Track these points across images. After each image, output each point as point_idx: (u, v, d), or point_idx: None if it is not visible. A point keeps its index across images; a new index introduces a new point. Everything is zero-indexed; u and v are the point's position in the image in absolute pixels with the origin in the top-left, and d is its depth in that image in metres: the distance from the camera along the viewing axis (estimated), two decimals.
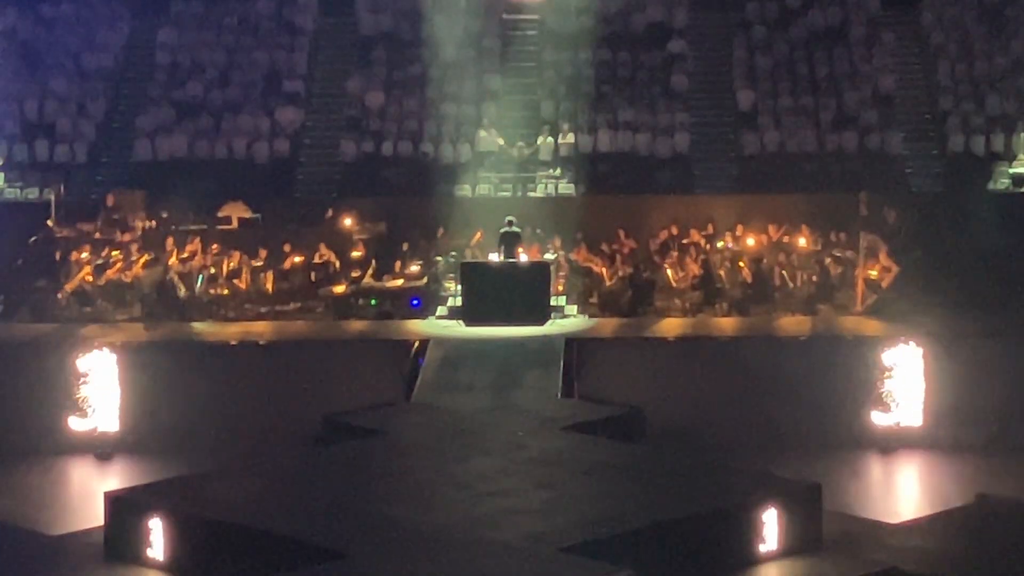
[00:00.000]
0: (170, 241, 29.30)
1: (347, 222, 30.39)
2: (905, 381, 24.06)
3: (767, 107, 34.43)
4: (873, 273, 27.83)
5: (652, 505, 16.98)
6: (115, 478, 22.58)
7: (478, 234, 29.49)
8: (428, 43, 35.10)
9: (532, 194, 32.73)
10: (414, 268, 28.88)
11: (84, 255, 28.97)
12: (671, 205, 31.46)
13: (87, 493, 21.55)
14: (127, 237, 29.68)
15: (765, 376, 24.07)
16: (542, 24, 36.65)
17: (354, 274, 28.81)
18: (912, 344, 24.17)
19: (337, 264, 29.17)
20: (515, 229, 27.72)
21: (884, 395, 24.05)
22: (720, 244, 29.75)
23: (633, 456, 19.69)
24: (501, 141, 33.53)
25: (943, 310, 25.83)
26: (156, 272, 28.16)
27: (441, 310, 27.50)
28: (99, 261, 28.79)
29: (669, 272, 28.59)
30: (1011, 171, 32.43)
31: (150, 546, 16.91)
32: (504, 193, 32.65)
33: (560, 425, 20.80)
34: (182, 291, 27.69)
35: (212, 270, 28.63)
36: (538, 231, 29.74)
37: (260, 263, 29.02)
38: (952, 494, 20.89)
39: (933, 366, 24.03)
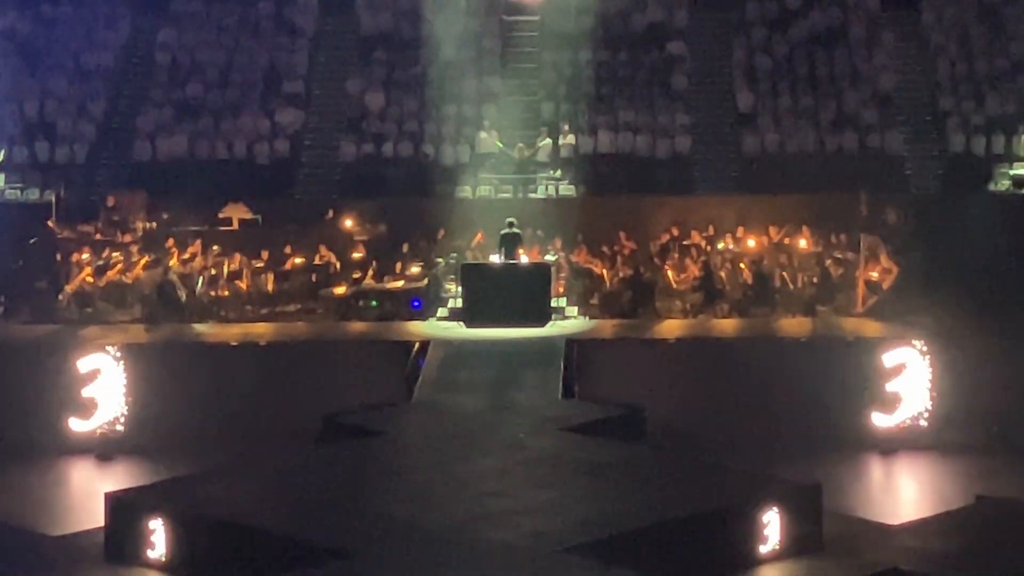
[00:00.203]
0: (170, 242, 29.31)
1: (347, 223, 30.39)
2: (905, 382, 24.06)
3: (767, 108, 34.44)
4: (874, 274, 27.81)
5: (652, 506, 16.98)
6: (116, 478, 22.55)
7: (478, 235, 29.49)
8: (428, 44, 35.12)
9: (532, 195, 32.75)
10: (415, 269, 28.87)
11: (84, 256, 28.97)
12: (671, 206, 31.47)
13: (88, 493, 21.54)
14: (127, 238, 29.68)
15: (765, 377, 24.08)
16: (542, 25, 36.66)
17: (355, 275, 28.81)
18: (912, 345, 24.17)
19: (338, 265, 29.18)
20: (516, 230, 27.71)
21: (884, 396, 24.05)
22: (720, 245, 29.75)
23: (633, 457, 19.69)
24: (500, 143, 33.52)
25: (943, 311, 25.79)
26: (156, 273, 28.15)
27: (442, 311, 27.50)
28: (99, 262, 28.79)
29: (670, 273, 28.58)
30: (1011, 172, 32.43)
31: (151, 546, 16.91)
32: (505, 194, 32.66)
33: (560, 426, 20.79)
34: (182, 292, 27.68)
35: (212, 271, 28.63)
36: (538, 232, 29.75)
37: (261, 264, 29.03)
38: (952, 495, 20.88)
39: (933, 367, 24.04)
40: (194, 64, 35.91)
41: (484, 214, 29.98)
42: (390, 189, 33.03)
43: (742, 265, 28.60)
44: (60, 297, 28.11)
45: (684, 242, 29.99)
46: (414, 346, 25.10)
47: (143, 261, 28.66)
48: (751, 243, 29.53)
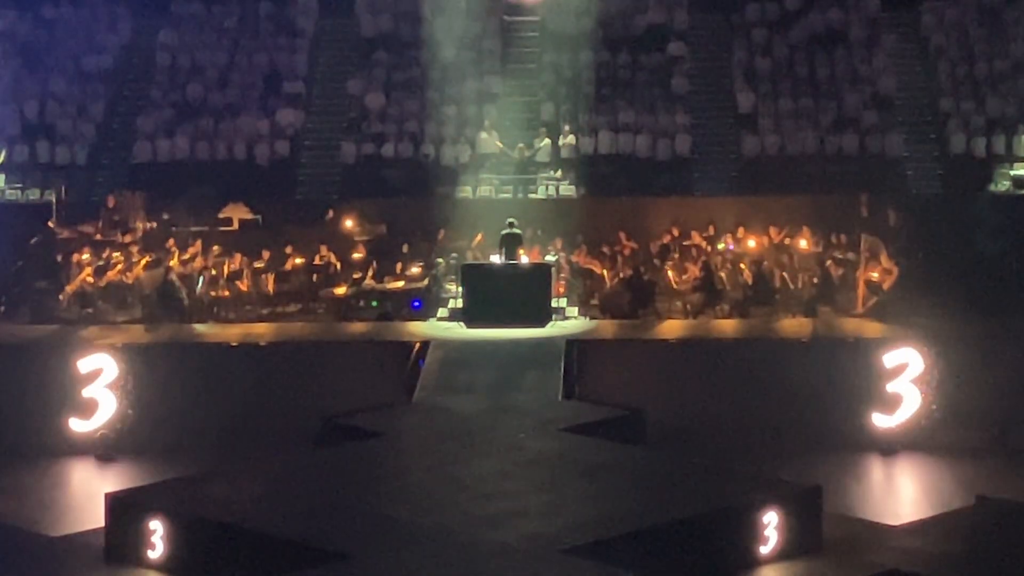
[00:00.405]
0: (171, 243, 29.30)
1: (348, 224, 30.39)
2: (906, 383, 24.04)
3: (767, 109, 34.43)
4: (874, 275, 27.80)
5: (652, 507, 16.98)
6: (116, 479, 22.54)
7: (479, 236, 29.48)
8: (428, 45, 35.12)
9: (533, 196, 32.75)
10: (415, 270, 28.87)
11: (85, 256, 28.95)
12: (672, 207, 31.48)
13: (88, 494, 21.52)
14: (128, 238, 29.68)
15: (766, 378, 24.07)
16: (542, 26, 36.66)
17: (355, 276, 28.80)
18: (913, 346, 24.16)
19: (338, 266, 29.17)
20: (516, 231, 27.71)
21: (885, 397, 24.04)
22: (721, 246, 29.75)
23: (633, 458, 19.69)
24: (501, 144, 33.52)
25: (944, 312, 25.80)
26: (157, 274, 28.13)
27: (442, 312, 27.49)
28: (100, 262, 28.77)
29: (670, 274, 28.58)
30: (1012, 173, 32.44)
31: (151, 547, 16.93)
32: (505, 195, 32.66)
33: (560, 427, 20.79)
34: (183, 293, 27.67)
35: (213, 272, 28.61)
36: (539, 233, 29.73)
37: (261, 265, 29.02)
38: (953, 496, 20.88)
39: (934, 368, 24.02)
40: (194, 65, 35.91)
41: (484, 214, 29.98)
42: (390, 190, 33.02)
43: (742, 266, 28.59)
44: (60, 297, 28.10)
45: (684, 243, 29.99)
46: (414, 346, 25.09)
47: (143, 261, 28.64)
48: (751, 244, 29.52)
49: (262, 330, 26.82)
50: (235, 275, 28.70)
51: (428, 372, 23.91)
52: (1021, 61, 35.00)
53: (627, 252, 29.82)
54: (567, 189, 33.03)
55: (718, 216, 30.78)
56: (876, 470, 23.49)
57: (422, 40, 35.38)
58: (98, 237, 29.74)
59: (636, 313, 27.59)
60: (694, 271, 28.58)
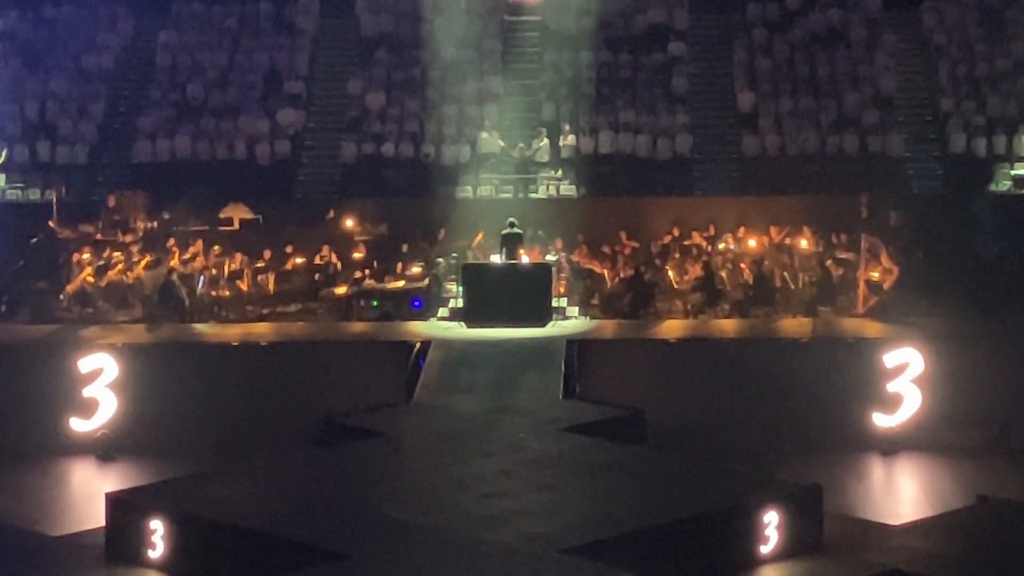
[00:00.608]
0: (171, 242, 29.31)
1: (348, 223, 30.40)
2: (906, 383, 24.04)
3: (768, 109, 34.42)
4: (874, 275, 27.80)
5: (653, 507, 16.98)
6: (116, 479, 22.56)
7: (479, 235, 29.48)
8: (429, 44, 35.12)
9: (533, 195, 32.75)
10: (415, 269, 28.87)
11: (85, 256, 28.96)
12: (672, 207, 31.48)
13: (88, 494, 21.54)
14: (128, 238, 29.69)
15: (766, 378, 24.06)
16: (543, 26, 36.67)
17: (355, 275, 28.80)
18: (913, 346, 24.15)
19: (338, 265, 29.17)
20: (516, 230, 27.71)
21: (885, 397, 24.04)
22: (721, 246, 29.74)
23: (634, 458, 19.67)
24: (502, 143, 33.53)
25: (944, 312, 25.82)
26: (158, 273, 28.14)
27: (442, 311, 27.50)
28: (100, 262, 28.78)
29: (671, 274, 28.57)
30: (1012, 173, 32.43)
31: (151, 547, 16.93)
32: (505, 195, 32.66)
33: (561, 426, 20.79)
34: (183, 292, 27.68)
35: (214, 271, 28.62)
36: (539, 232, 29.73)
37: (261, 264, 29.03)
38: (953, 496, 20.89)
39: (934, 368, 24.02)
40: (195, 65, 35.92)
41: (485, 214, 29.99)
42: (391, 189, 33.03)
43: (743, 266, 28.59)
44: (61, 297, 28.11)
45: (685, 242, 29.99)
46: (415, 346, 25.09)
47: (144, 261, 28.65)
48: (752, 243, 29.51)
49: (262, 330, 26.83)
50: (236, 275, 28.70)
51: (428, 372, 23.92)
52: (1021, 61, 34.99)
53: (627, 252, 29.82)
54: (567, 189, 33.02)
55: (719, 216, 30.78)
56: (876, 470, 23.49)
57: (422, 40, 35.38)
58: (99, 237, 29.76)
59: (636, 313, 27.59)
60: (695, 271, 28.57)
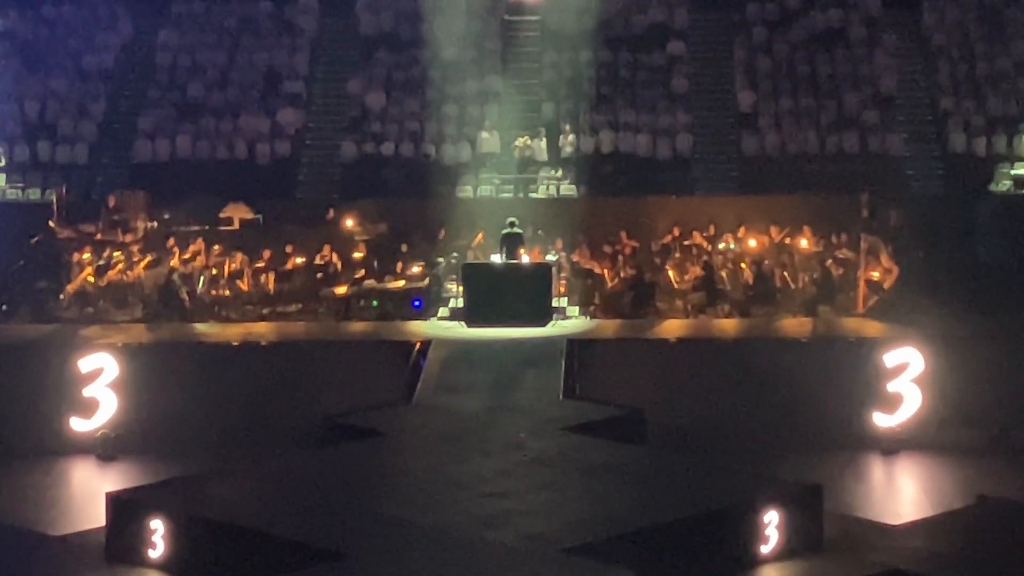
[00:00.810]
0: (171, 242, 29.31)
1: (348, 223, 30.37)
2: (906, 383, 24.04)
3: (768, 108, 34.43)
4: (875, 275, 27.81)
5: (653, 506, 16.98)
6: (116, 479, 22.56)
7: (479, 235, 29.48)
8: (429, 44, 35.11)
9: (534, 195, 32.75)
10: (416, 269, 28.86)
11: (86, 256, 28.96)
12: (672, 206, 31.44)
13: (88, 494, 21.54)
14: (129, 238, 29.67)
15: (766, 377, 24.05)
16: (543, 25, 36.67)
17: (356, 275, 28.80)
18: (913, 346, 24.15)
19: (339, 265, 29.16)
20: (517, 230, 27.72)
21: (885, 396, 24.04)
22: (722, 245, 29.73)
23: (634, 457, 19.68)
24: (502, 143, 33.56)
25: (944, 311, 25.81)
26: (158, 273, 28.16)
27: (443, 311, 27.51)
28: (100, 262, 28.78)
29: (671, 273, 28.58)
30: (1012, 172, 32.43)
31: (151, 547, 16.92)
32: (505, 194, 32.67)
33: (561, 426, 20.79)
34: (184, 292, 27.68)
35: (214, 271, 28.63)
36: (540, 232, 29.73)
37: (262, 264, 29.02)
38: (953, 496, 20.88)
39: (934, 368, 24.02)
40: (195, 65, 35.92)
41: (485, 214, 29.97)
42: (391, 189, 33.02)
43: (743, 265, 28.59)
44: (61, 297, 28.11)
45: (685, 242, 29.96)
46: (415, 346, 25.09)
47: (144, 261, 28.66)
48: (752, 243, 29.50)
49: (262, 330, 26.83)
50: (236, 275, 28.71)
51: (428, 372, 23.91)
52: (1021, 60, 35.00)
53: (628, 252, 29.81)
54: (568, 189, 33.02)
55: (719, 216, 30.75)
56: (877, 470, 23.49)
57: (423, 39, 35.37)
58: (99, 237, 29.73)
59: (637, 313, 27.59)
60: (695, 271, 28.58)
